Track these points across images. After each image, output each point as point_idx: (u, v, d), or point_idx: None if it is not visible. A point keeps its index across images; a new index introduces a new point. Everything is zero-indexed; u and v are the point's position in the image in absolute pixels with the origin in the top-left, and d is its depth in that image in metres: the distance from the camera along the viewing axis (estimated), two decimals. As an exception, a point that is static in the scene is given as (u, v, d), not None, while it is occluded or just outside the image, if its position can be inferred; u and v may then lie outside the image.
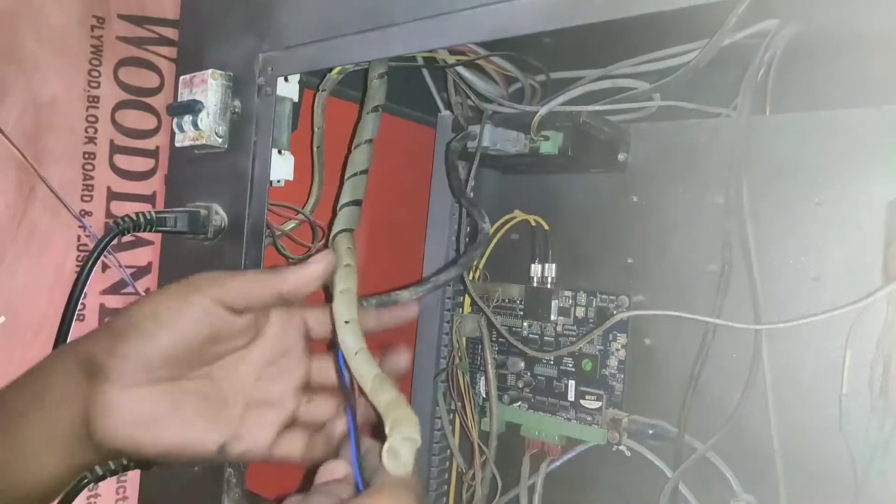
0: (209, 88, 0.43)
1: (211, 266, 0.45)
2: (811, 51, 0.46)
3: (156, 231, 0.43)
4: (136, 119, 0.68)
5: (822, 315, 0.42)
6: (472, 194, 0.52)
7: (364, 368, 0.34)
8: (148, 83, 0.70)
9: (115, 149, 0.68)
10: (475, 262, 0.58)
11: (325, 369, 0.40)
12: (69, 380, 0.34)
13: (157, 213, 0.43)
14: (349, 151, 0.45)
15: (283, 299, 0.36)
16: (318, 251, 0.50)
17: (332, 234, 0.43)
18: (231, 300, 0.34)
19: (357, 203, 0.43)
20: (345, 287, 0.37)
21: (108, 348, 0.33)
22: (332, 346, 0.38)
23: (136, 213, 0.42)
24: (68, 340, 0.49)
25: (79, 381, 0.33)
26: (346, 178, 0.44)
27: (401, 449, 0.30)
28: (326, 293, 0.38)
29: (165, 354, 0.33)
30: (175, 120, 0.45)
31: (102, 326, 0.35)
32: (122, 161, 0.67)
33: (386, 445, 0.30)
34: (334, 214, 0.43)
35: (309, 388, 0.39)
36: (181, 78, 0.45)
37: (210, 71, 0.43)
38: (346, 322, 0.35)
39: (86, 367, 0.33)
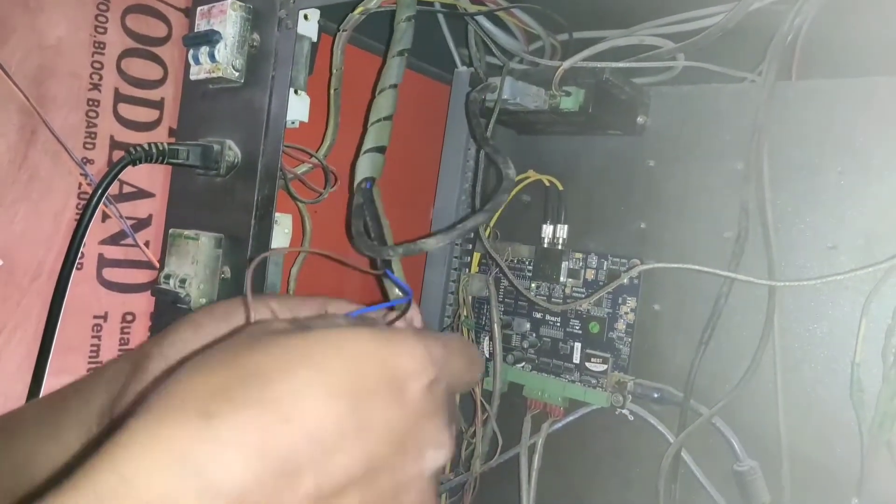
0: (228, 19, 0.42)
1: (222, 203, 0.44)
2: (841, 18, 0.45)
3: (167, 163, 0.42)
4: (142, 68, 0.67)
5: (840, 275, 0.42)
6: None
7: None
8: (156, 32, 0.69)
9: (119, 97, 0.67)
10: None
11: None
12: (118, 367, 0.36)
13: (169, 145, 0.42)
14: (373, 97, 0.44)
15: None
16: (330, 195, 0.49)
17: (355, 183, 0.42)
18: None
19: (381, 150, 0.42)
20: None
21: (157, 343, 0.35)
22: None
23: (149, 143, 0.41)
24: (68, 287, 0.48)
25: (123, 368, 0.36)
26: (369, 123, 0.43)
27: None
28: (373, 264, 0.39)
29: None
30: (191, 51, 0.44)
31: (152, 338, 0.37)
32: (127, 110, 0.66)
33: None
34: (356, 160, 0.42)
35: None
36: (199, 9, 0.44)
37: (230, 1, 0.42)
38: None
39: (134, 360, 0.35)
